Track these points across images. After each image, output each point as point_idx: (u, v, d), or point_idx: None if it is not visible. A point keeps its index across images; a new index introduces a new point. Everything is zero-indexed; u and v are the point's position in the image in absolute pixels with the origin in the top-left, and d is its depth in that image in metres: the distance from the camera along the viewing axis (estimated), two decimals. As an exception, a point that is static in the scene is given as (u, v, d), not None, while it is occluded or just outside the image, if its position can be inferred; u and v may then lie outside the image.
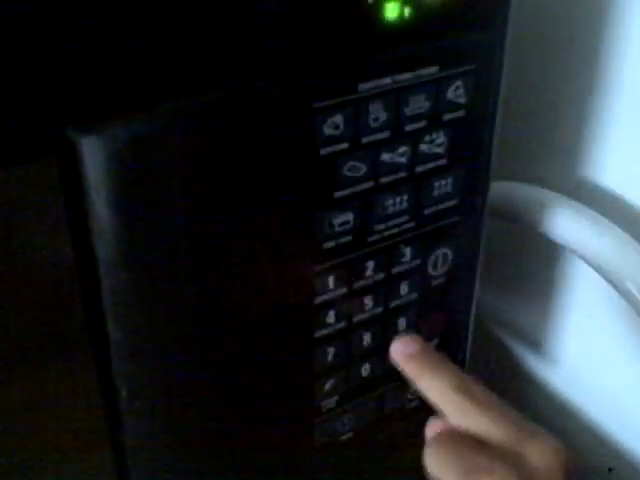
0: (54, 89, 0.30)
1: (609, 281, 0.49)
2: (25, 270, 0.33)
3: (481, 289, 0.48)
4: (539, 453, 0.35)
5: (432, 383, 0.38)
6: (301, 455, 0.45)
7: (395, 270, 0.42)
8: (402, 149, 0.39)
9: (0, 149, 0.30)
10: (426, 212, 0.41)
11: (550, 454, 0.35)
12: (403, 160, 0.39)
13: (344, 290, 0.41)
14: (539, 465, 0.35)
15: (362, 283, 0.41)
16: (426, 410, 0.49)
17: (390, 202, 0.40)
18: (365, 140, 0.37)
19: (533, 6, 0.53)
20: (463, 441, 0.36)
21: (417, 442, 0.50)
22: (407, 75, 0.37)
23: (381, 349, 0.44)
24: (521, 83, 0.51)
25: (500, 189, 0.50)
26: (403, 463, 0.51)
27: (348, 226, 0.39)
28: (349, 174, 0.37)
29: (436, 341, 0.47)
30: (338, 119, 0.36)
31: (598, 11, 0.50)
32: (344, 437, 0.46)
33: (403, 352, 0.40)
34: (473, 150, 0.42)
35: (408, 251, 0.42)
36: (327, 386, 0.43)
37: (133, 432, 0.38)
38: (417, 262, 0.43)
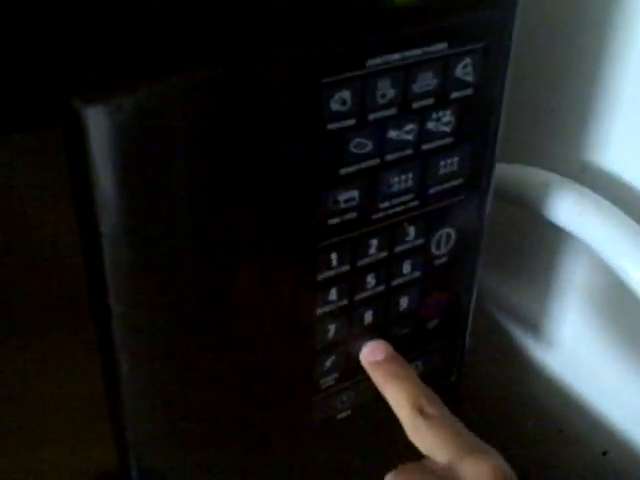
0: (60, 58, 0.30)
1: (611, 265, 0.49)
2: (27, 240, 0.33)
3: (480, 271, 0.48)
4: (473, 470, 0.37)
5: (393, 395, 0.41)
6: (299, 432, 0.45)
7: (398, 249, 0.42)
8: (409, 126, 0.38)
9: (6, 117, 0.29)
10: (431, 191, 0.41)
11: (484, 471, 0.37)
12: (409, 138, 0.39)
13: (347, 267, 0.41)
14: None
15: (365, 261, 0.41)
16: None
17: (395, 180, 0.39)
18: (372, 117, 0.37)
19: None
20: (413, 466, 0.39)
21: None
22: (416, 51, 0.36)
23: (382, 327, 0.44)
24: (526, 65, 0.50)
25: (504, 171, 0.49)
26: (398, 443, 0.51)
27: (353, 203, 0.39)
28: (355, 151, 0.37)
29: (437, 321, 0.47)
30: (346, 94, 0.35)
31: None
32: (342, 415, 0.46)
33: (370, 359, 0.43)
34: (480, 129, 0.41)
35: (412, 230, 0.42)
36: (327, 363, 0.43)
37: (132, 408, 0.38)
38: (420, 241, 0.43)
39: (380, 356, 0.43)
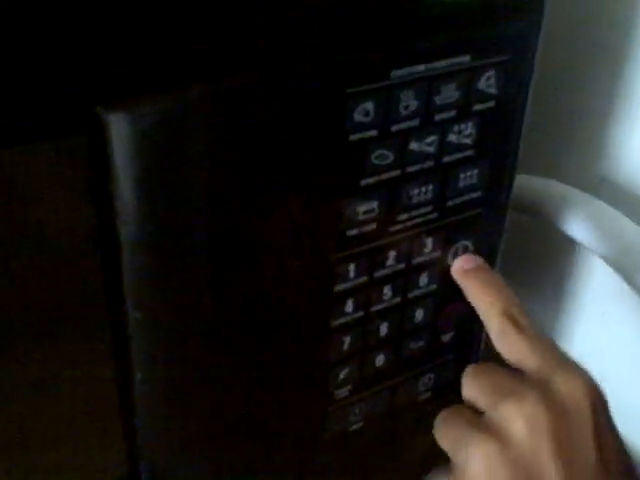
0: (85, 67, 0.30)
1: (626, 279, 0.49)
2: (47, 246, 0.33)
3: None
4: (567, 383, 0.36)
5: (483, 301, 0.40)
6: (312, 443, 0.45)
7: (415, 261, 0.42)
8: (430, 138, 0.38)
9: (31, 124, 0.29)
10: (450, 203, 0.41)
11: (578, 386, 0.36)
12: (431, 150, 0.38)
13: (364, 279, 0.40)
14: (566, 395, 0.35)
15: (382, 272, 0.41)
16: (437, 402, 0.49)
17: (415, 192, 0.39)
18: (394, 128, 0.37)
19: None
20: (497, 368, 0.37)
21: (425, 435, 0.50)
22: (440, 63, 0.36)
23: (397, 339, 0.44)
24: (545, 77, 0.50)
25: (521, 182, 0.49)
26: (410, 455, 0.51)
27: (372, 214, 0.38)
28: (376, 162, 0.37)
29: (451, 334, 0.46)
30: (369, 106, 0.35)
31: (630, 8, 0.49)
32: (354, 427, 0.46)
33: (461, 268, 0.42)
34: (501, 142, 0.41)
35: (429, 242, 0.42)
36: (341, 375, 0.43)
37: (145, 417, 0.38)
38: (438, 253, 0.42)
39: (470, 265, 0.42)
